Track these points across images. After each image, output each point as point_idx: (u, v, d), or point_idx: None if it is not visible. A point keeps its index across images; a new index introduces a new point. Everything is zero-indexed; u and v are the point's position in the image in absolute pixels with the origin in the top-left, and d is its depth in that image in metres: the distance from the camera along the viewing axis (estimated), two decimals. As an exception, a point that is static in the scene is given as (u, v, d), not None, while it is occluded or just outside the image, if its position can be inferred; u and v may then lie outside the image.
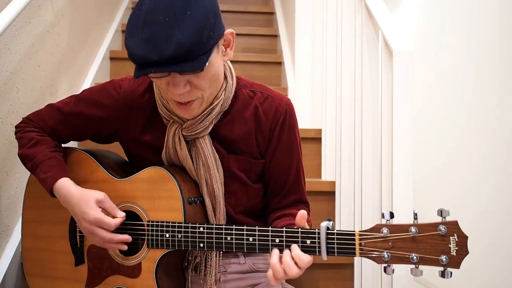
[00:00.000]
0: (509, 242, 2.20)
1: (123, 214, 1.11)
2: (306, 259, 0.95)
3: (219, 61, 1.05)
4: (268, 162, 1.19)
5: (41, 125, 1.22)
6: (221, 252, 1.18)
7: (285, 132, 1.18)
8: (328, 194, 1.84)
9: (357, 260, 1.60)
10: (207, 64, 0.97)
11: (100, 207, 1.10)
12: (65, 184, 1.12)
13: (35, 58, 1.67)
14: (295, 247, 0.97)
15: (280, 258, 0.97)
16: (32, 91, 1.65)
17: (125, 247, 1.10)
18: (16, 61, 1.52)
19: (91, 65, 2.46)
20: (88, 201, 1.09)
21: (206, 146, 1.13)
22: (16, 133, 1.24)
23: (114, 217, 1.10)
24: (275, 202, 1.23)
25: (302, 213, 0.99)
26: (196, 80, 1.01)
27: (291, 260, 0.96)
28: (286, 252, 0.97)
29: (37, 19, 1.69)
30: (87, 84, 2.32)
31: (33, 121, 1.23)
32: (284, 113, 1.17)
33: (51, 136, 1.23)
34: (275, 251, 0.98)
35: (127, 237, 1.09)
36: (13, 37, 1.49)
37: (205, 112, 1.10)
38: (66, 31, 2.00)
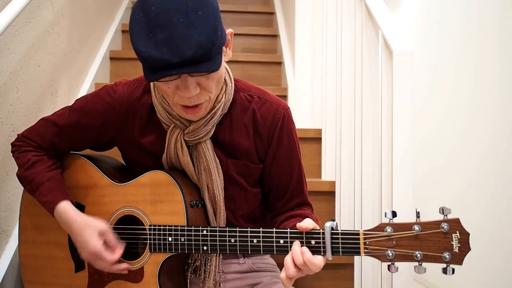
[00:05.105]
0: (508, 242, 2.20)
1: (121, 250, 1.10)
2: (318, 263, 0.93)
3: (223, 61, 1.05)
4: (269, 167, 1.19)
5: (37, 142, 1.20)
6: (221, 255, 1.17)
7: (284, 137, 1.17)
8: (328, 194, 1.84)
9: (357, 260, 1.60)
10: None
11: (101, 239, 1.09)
12: (65, 210, 1.11)
13: (35, 58, 1.67)
14: (306, 252, 0.94)
15: (293, 259, 0.95)
16: (32, 91, 1.65)
17: (126, 272, 1.11)
18: (16, 61, 1.52)
19: (91, 65, 2.46)
20: (91, 231, 1.08)
21: (208, 150, 1.13)
22: (13, 152, 1.22)
23: (113, 249, 1.09)
24: (280, 206, 1.22)
25: (308, 220, 0.98)
26: (206, 82, 0.99)
27: (304, 263, 0.94)
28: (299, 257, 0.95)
29: (37, 19, 1.69)
30: (87, 84, 2.32)
31: (29, 138, 1.20)
32: (282, 118, 1.16)
33: (49, 152, 1.20)
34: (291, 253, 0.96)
35: (124, 267, 1.10)
36: (13, 37, 1.49)
37: (208, 116, 1.10)
38: (66, 31, 2.00)
